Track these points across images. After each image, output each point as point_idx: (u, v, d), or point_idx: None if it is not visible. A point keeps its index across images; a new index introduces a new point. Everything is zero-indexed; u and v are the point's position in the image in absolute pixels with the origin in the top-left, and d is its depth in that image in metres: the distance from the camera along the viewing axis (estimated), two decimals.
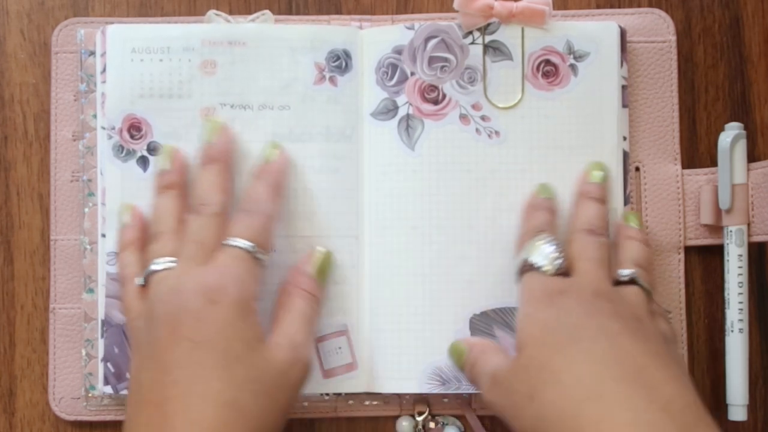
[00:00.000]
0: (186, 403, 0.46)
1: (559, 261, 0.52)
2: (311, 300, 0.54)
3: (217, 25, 0.59)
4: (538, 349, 0.48)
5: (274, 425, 0.49)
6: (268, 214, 0.54)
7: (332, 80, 0.59)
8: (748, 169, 0.58)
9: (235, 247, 0.52)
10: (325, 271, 0.56)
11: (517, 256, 0.55)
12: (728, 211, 0.58)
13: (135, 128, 0.58)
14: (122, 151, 0.58)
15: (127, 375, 0.57)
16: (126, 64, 0.58)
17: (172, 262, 0.52)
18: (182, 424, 0.46)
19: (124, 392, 0.57)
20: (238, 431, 0.46)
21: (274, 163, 0.56)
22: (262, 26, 0.59)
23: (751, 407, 0.59)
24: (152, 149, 0.58)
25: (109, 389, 0.58)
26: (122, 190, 0.58)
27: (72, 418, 0.59)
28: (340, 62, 0.59)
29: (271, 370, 0.49)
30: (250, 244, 0.52)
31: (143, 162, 0.58)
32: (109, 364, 0.58)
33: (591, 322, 0.48)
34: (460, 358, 0.56)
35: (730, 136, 0.58)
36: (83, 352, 0.59)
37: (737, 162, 0.58)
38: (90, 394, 0.59)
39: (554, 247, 0.53)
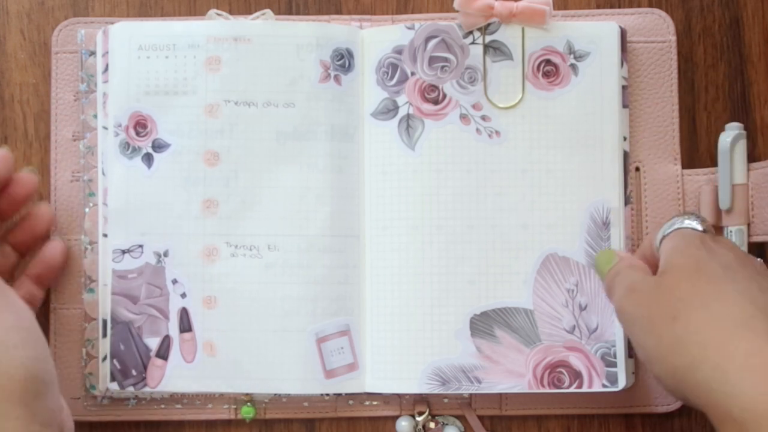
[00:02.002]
0: None
1: (708, 225, 0.52)
2: None
3: (222, 22, 0.59)
4: (688, 275, 0.48)
5: None
6: None
7: (337, 79, 0.59)
8: (748, 170, 0.58)
9: None
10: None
11: (661, 229, 0.53)
12: (728, 211, 0.58)
13: (141, 125, 0.58)
14: (128, 149, 0.58)
15: (133, 372, 0.58)
16: (132, 61, 0.58)
17: None
18: None
19: (130, 389, 0.58)
20: None
21: None
22: (267, 23, 0.59)
23: None
24: (157, 146, 0.58)
25: (115, 386, 0.58)
26: (127, 188, 0.58)
27: (72, 417, 0.59)
28: (344, 61, 0.59)
29: None
30: None
31: (148, 159, 0.58)
32: (115, 361, 0.58)
33: (743, 269, 0.48)
34: (607, 263, 0.54)
35: (730, 136, 0.58)
36: (83, 352, 0.59)
37: (737, 162, 0.58)
38: (90, 394, 0.59)
39: (705, 220, 0.53)
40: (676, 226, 0.52)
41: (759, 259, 0.52)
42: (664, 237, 0.52)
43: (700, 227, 0.51)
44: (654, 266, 0.52)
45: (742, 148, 0.58)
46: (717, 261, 0.48)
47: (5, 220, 0.57)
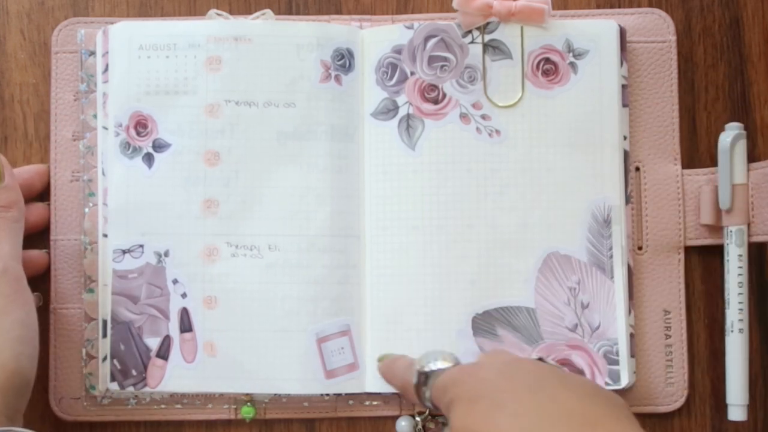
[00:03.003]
0: None
1: (455, 356, 0.49)
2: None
3: (222, 22, 0.59)
4: (463, 421, 0.44)
5: None
6: None
7: (337, 79, 0.59)
8: (748, 169, 0.58)
9: None
10: None
11: (416, 368, 0.50)
12: (728, 211, 0.58)
13: (141, 125, 0.58)
14: (129, 149, 0.58)
15: (133, 372, 0.57)
16: (132, 61, 0.58)
17: None
18: None
19: (131, 389, 0.58)
20: None
21: None
22: (267, 23, 0.59)
23: (751, 407, 0.59)
24: (158, 146, 0.58)
25: (115, 386, 0.58)
26: (127, 188, 0.58)
27: (72, 418, 0.59)
28: (344, 61, 0.59)
29: None
30: None
31: (149, 159, 0.58)
32: (115, 361, 0.58)
33: (512, 383, 0.44)
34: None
35: (730, 136, 0.58)
36: (83, 352, 0.59)
37: (737, 162, 0.58)
38: (90, 394, 0.59)
39: (447, 355, 0.50)
40: (426, 372, 0.49)
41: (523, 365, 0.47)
42: (421, 384, 0.50)
43: (448, 364, 0.49)
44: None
45: (742, 148, 0.59)
46: (486, 389, 0.44)
47: None
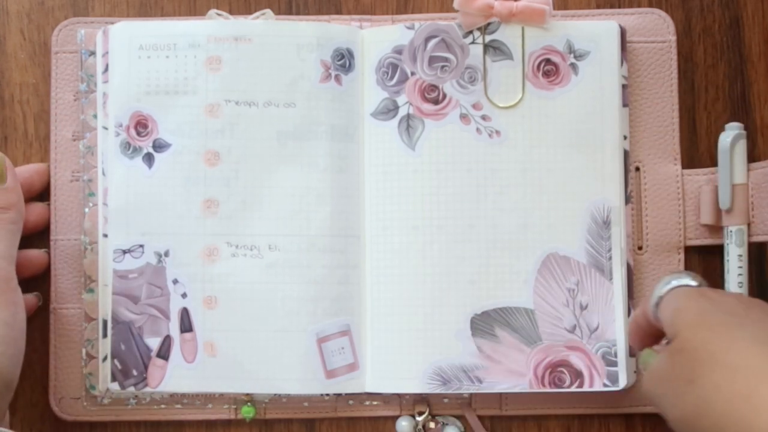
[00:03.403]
0: None
1: (702, 280, 0.50)
2: None
3: (222, 22, 0.59)
4: (694, 331, 0.46)
5: None
6: None
7: (337, 79, 0.59)
8: (748, 169, 0.58)
9: None
10: None
11: (657, 290, 0.51)
12: (728, 211, 0.58)
13: (141, 125, 0.58)
14: (129, 148, 0.58)
15: (134, 372, 0.58)
16: (132, 61, 0.58)
17: None
18: None
19: (131, 389, 0.58)
20: None
21: None
22: (267, 23, 0.59)
23: None
24: (158, 146, 0.58)
25: (116, 386, 0.58)
26: (127, 188, 0.58)
27: (72, 418, 0.59)
28: (344, 61, 0.59)
29: None
30: None
31: (149, 159, 0.58)
32: (116, 361, 0.58)
33: (749, 312, 0.46)
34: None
35: (730, 136, 0.58)
36: (83, 352, 0.59)
37: (737, 162, 0.58)
38: (90, 394, 0.59)
39: (697, 275, 0.51)
40: (671, 285, 0.50)
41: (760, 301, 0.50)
42: (660, 298, 0.50)
43: (694, 283, 0.50)
44: (652, 334, 0.51)
45: (742, 147, 0.59)
46: (721, 310, 0.46)
47: None
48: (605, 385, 0.57)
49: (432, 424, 0.60)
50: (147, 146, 0.58)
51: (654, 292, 0.50)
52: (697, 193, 0.60)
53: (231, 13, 0.61)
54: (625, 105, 0.59)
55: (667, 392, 0.46)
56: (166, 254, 0.58)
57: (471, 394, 0.59)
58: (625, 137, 0.59)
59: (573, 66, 0.59)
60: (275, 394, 0.59)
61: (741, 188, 0.58)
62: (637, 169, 0.60)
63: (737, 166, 0.58)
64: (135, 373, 0.58)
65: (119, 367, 0.58)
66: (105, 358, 0.58)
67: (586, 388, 0.57)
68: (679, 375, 0.45)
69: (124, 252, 0.58)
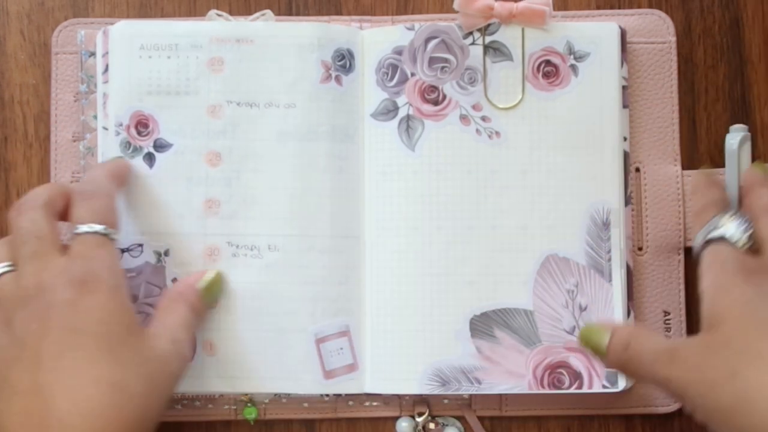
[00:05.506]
0: (68, 386, 0.45)
1: (750, 234, 0.50)
2: (193, 311, 0.54)
3: (224, 23, 0.59)
4: (741, 326, 0.45)
5: (156, 410, 0.48)
6: (107, 194, 0.53)
7: (338, 79, 0.59)
8: None
9: (89, 233, 0.50)
10: (213, 290, 0.57)
11: (702, 229, 0.52)
12: None
13: (142, 125, 0.58)
14: (129, 148, 0.58)
15: None
16: (133, 61, 0.58)
17: (8, 266, 0.50)
18: (66, 405, 0.44)
19: None
20: (125, 411, 0.45)
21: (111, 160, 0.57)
22: (269, 24, 0.59)
23: None
24: (159, 146, 0.58)
25: None
26: (128, 187, 0.58)
27: None
28: (345, 62, 0.59)
29: (153, 356, 0.49)
30: (102, 226, 0.50)
31: (150, 158, 0.58)
32: None
33: None
34: (599, 343, 0.52)
35: (738, 137, 0.58)
36: None
37: (743, 164, 0.58)
38: None
39: (745, 221, 0.51)
40: (717, 233, 0.51)
41: None
42: (706, 243, 0.51)
43: (743, 240, 0.50)
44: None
45: (747, 149, 0.58)
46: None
47: None
48: (604, 387, 0.57)
49: (432, 425, 0.60)
50: (148, 146, 0.59)
51: (702, 231, 0.52)
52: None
53: (231, 13, 0.61)
54: (625, 106, 0.59)
55: (702, 381, 0.45)
56: (167, 254, 0.58)
57: (471, 395, 0.59)
58: (625, 138, 0.59)
59: (573, 67, 0.59)
60: (275, 395, 0.59)
61: None
62: (637, 170, 0.60)
63: (743, 168, 0.58)
64: None
65: None
66: None
67: (585, 390, 0.57)
68: (719, 367, 0.45)
69: (123, 251, 0.58)
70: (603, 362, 0.54)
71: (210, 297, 0.57)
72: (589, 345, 0.53)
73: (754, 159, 0.60)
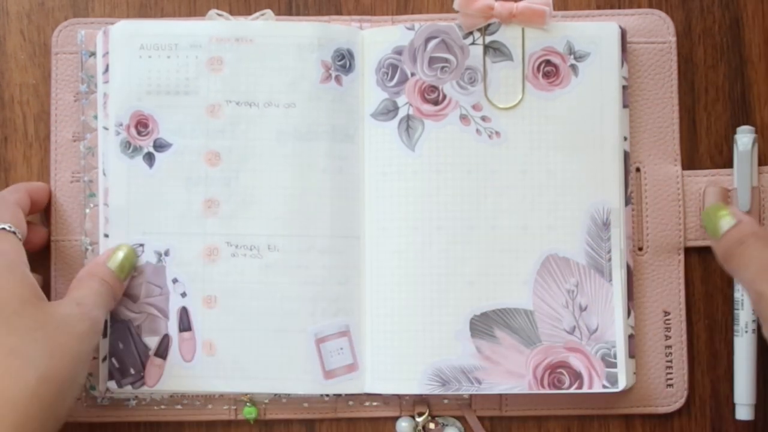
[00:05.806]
0: None
1: None
2: (104, 284, 0.55)
3: (224, 22, 0.59)
4: None
5: (68, 369, 0.49)
6: (9, 201, 0.55)
7: (338, 79, 0.59)
8: (759, 172, 0.59)
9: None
10: (124, 266, 0.57)
11: (728, 222, 0.53)
12: (746, 213, 0.57)
13: (142, 125, 0.58)
14: (129, 148, 0.58)
15: (132, 371, 0.58)
16: (133, 60, 0.58)
17: None
18: None
19: (129, 388, 0.58)
20: (23, 373, 0.46)
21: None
22: (269, 23, 0.59)
23: (757, 406, 0.59)
24: (158, 146, 0.58)
25: (113, 384, 0.58)
26: (128, 187, 0.58)
27: (72, 419, 0.59)
28: (345, 62, 0.59)
29: (52, 320, 0.50)
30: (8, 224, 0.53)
31: (149, 158, 0.58)
32: (113, 359, 0.58)
33: None
34: (720, 226, 0.53)
35: (751, 138, 0.58)
36: None
37: (753, 165, 0.58)
38: (90, 395, 0.59)
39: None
40: (751, 232, 0.52)
41: None
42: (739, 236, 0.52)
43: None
44: None
45: (755, 150, 0.58)
46: None
47: None
48: (604, 387, 0.57)
49: (432, 425, 0.60)
50: (148, 146, 0.59)
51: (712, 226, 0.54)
52: (697, 194, 0.60)
53: (231, 13, 0.61)
54: (625, 106, 0.59)
55: None
56: (167, 253, 0.58)
57: (471, 395, 0.59)
58: (625, 138, 0.59)
59: (573, 67, 0.59)
60: (274, 395, 0.59)
61: (755, 191, 0.58)
62: (638, 170, 0.60)
63: (753, 169, 0.58)
64: (132, 371, 0.58)
65: (117, 365, 0.58)
66: (105, 359, 0.58)
67: (585, 390, 0.57)
68: None
69: None
70: (712, 242, 0.55)
71: (122, 273, 0.57)
72: (710, 224, 0.55)
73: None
